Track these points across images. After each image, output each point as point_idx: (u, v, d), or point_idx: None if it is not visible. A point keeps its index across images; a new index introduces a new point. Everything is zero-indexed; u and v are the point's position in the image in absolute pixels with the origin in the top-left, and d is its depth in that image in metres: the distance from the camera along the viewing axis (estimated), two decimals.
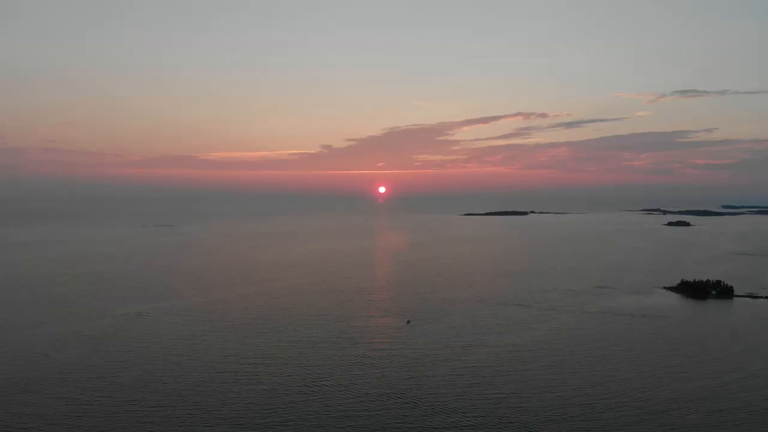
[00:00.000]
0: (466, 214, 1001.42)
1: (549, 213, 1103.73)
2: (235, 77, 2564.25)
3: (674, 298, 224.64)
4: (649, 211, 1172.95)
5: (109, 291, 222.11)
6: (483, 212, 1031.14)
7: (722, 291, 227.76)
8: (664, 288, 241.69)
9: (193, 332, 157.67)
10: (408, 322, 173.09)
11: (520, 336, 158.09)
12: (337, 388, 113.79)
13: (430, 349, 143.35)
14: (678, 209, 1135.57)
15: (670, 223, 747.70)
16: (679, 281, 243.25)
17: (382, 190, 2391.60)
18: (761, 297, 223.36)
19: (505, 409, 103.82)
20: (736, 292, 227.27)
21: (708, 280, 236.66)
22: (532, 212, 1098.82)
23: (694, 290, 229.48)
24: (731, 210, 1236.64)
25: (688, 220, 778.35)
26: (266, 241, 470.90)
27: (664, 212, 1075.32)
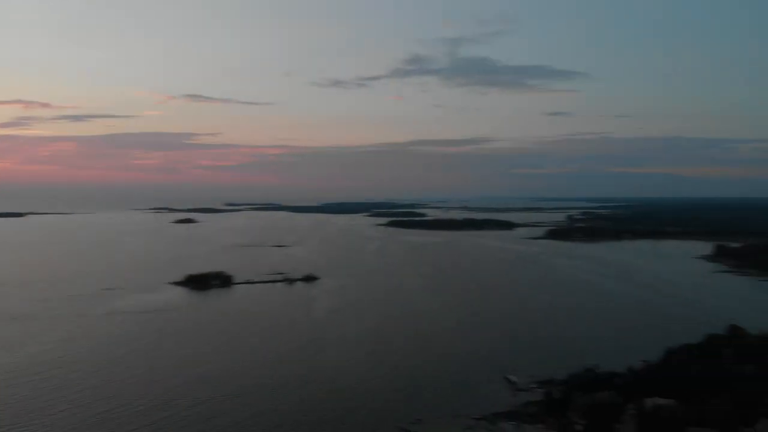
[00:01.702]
0: None
1: (53, 213, 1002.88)
2: None
3: (181, 291, 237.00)
4: (158, 209, 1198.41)
5: None
6: None
7: (223, 281, 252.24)
8: (172, 283, 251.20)
9: None
10: None
11: (17, 355, 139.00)
12: None
13: None
14: (186, 207, 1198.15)
15: (177, 221, 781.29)
16: (185, 275, 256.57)
17: None
18: (256, 282, 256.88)
19: None
20: (235, 280, 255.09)
21: (211, 272, 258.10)
22: (31, 213, 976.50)
23: (199, 282, 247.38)
24: (233, 207, 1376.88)
25: (194, 218, 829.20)
26: None
27: (173, 210, 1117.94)
